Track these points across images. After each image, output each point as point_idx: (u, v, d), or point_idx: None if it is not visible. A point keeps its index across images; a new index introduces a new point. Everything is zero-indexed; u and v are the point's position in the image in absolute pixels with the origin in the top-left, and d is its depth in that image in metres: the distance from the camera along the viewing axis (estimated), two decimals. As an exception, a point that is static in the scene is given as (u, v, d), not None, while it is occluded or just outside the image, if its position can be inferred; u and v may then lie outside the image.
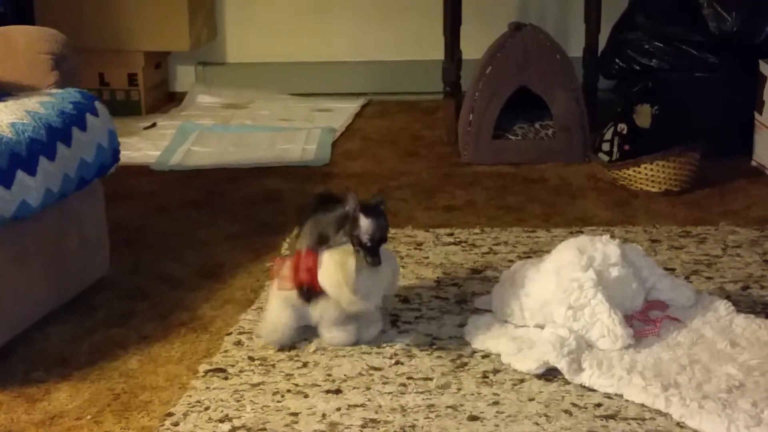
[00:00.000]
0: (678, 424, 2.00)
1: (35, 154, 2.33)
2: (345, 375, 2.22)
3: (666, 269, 2.57)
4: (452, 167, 3.81)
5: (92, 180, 2.61)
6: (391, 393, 2.13)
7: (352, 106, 4.76)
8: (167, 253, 3.00)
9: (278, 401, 2.12)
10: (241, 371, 2.25)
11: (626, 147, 3.51)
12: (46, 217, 2.44)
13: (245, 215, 3.31)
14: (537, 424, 2.01)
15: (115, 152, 2.66)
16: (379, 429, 2.01)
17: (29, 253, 2.41)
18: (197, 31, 4.85)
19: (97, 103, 2.61)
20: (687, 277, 2.68)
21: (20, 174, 2.27)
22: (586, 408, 2.06)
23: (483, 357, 2.29)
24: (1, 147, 2.24)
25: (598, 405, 2.07)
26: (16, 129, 2.32)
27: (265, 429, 2.02)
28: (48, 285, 2.49)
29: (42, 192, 2.35)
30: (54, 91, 2.60)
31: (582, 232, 2.98)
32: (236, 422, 2.05)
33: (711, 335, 2.31)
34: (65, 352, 2.38)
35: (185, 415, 2.08)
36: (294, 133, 4.33)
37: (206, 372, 2.25)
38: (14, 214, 2.27)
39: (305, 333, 2.38)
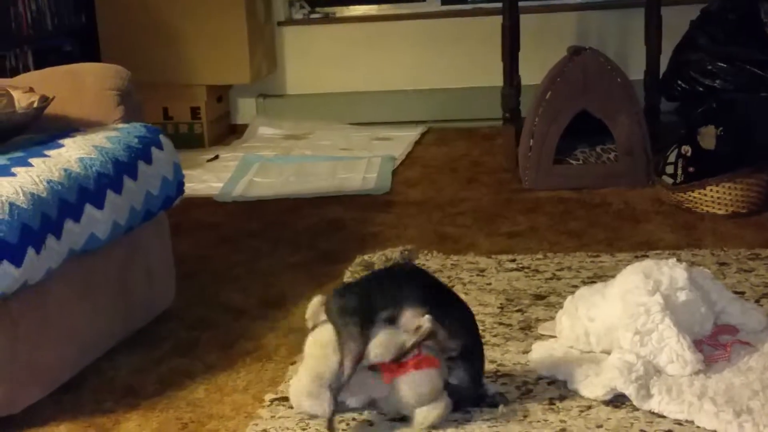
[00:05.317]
0: (752, 451, 1.95)
1: (103, 187, 2.38)
2: (410, 403, 2.20)
3: (735, 293, 2.51)
4: (513, 193, 3.79)
5: (158, 212, 2.65)
6: (456, 421, 2.11)
7: (412, 134, 4.78)
8: (231, 283, 3.03)
9: (344, 430, 2.11)
10: (306, 400, 2.25)
11: (691, 169, 3.46)
12: (113, 249, 2.48)
13: (307, 245, 3.32)
14: (606, 451, 1.98)
15: (180, 184, 2.70)
16: (445, 457, 2.00)
17: (97, 285, 2.45)
18: (257, 64, 4.93)
19: (161, 137, 2.65)
20: (757, 301, 2.62)
21: (89, 207, 2.32)
22: (656, 435, 2.02)
23: (549, 383, 2.26)
24: (69, 181, 2.29)
25: (669, 432, 2.03)
26: (84, 163, 2.37)
27: (331, 458, 2.01)
28: (115, 316, 2.53)
29: (109, 225, 2.39)
30: (120, 125, 2.65)
31: (647, 257, 2.92)
32: (302, 451, 2.05)
33: (784, 360, 2.26)
34: (133, 382, 2.41)
35: (252, 444, 2.09)
36: (354, 162, 4.35)
37: (272, 401, 2.25)
38: (83, 247, 2.32)
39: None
